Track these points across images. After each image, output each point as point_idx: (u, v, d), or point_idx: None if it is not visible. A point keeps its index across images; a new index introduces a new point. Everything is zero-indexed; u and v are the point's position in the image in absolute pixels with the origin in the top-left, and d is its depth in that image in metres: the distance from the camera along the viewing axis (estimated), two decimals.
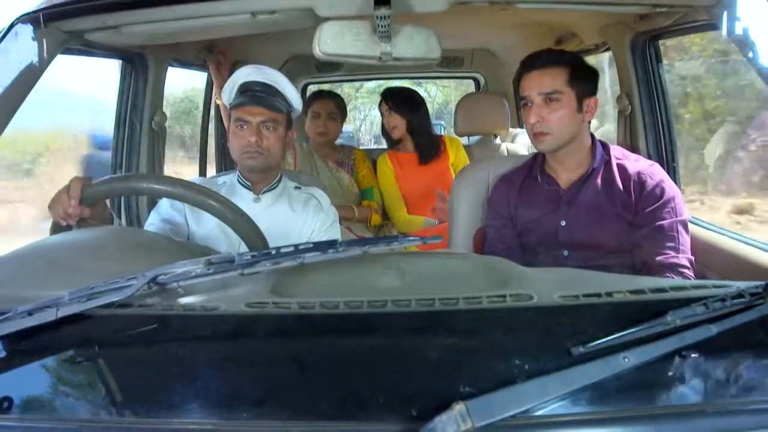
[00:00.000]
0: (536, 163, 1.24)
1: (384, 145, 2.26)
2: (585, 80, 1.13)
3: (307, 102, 2.06)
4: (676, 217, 1.07)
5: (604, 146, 1.18)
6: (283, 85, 1.22)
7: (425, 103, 2.07)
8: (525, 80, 1.15)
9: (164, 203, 1.22)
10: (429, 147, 2.01)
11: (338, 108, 2.04)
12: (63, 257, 0.75)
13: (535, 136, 1.14)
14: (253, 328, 0.58)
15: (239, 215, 0.91)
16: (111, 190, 0.96)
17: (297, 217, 1.22)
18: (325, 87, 2.88)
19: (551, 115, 1.11)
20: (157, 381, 0.53)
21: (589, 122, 1.18)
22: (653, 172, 1.12)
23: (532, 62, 1.14)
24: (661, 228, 1.06)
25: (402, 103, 1.98)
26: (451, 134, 2.36)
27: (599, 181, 1.14)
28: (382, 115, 2.03)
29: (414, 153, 2.02)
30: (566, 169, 1.18)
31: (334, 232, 1.26)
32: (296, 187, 1.29)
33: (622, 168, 1.13)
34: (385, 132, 2.06)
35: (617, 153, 1.17)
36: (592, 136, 1.19)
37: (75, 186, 0.90)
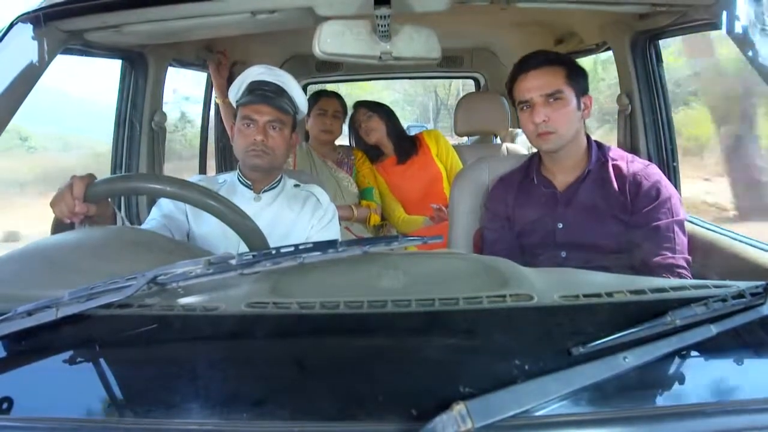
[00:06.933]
0: (532, 165, 1.24)
1: None
2: (580, 78, 1.13)
3: (310, 101, 2.07)
4: (673, 217, 1.07)
5: (600, 147, 1.18)
6: (292, 88, 1.23)
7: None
8: (523, 82, 1.13)
9: (165, 199, 1.22)
10: (407, 146, 2.06)
11: (342, 107, 2.06)
12: (63, 257, 0.75)
13: (539, 136, 1.13)
14: (253, 328, 0.58)
15: (240, 216, 0.91)
16: (114, 189, 0.96)
17: (296, 215, 1.23)
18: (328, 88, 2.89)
19: (555, 114, 1.10)
20: (157, 381, 0.53)
21: (584, 122, 1.18)
22: (649, 173, 1.11)
23: (528, 63, 1.13)
24: (658, 228, 1.06)
25: (378, 108, 2.04)
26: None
27: (595, 182, 1.14)
28: (357, 124, 2.06)
29: (394, 155, 2.05)
30: (563, 171, 1.18)
31: (334, 229, 1.26)
32: (295, 185, 1.29)
33: (617, 169, 1.13)
34: (361, 142, 2.08)
35: (613, 154, 1.17)
36: (588, 137, 1.19)
37: (78, 184, 0.90)
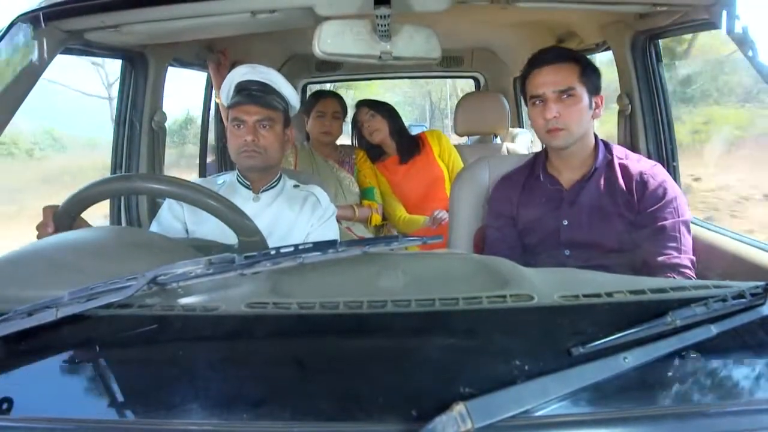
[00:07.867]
0: (538, 162, 1.23)
1: None
2: (593, 77, 1.13)
3: (309, 102, 2.06)
4: (678, 217, 1.07)
5: (607, 146, 1.18)
6: (279, 83, 1.22)
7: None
8: (536, 77, 1.12)
9: (164, 212, 1.23)
10: (409, 145, 2.05)
11: (341, 107, 2.05)
12: (63, 257, 0.75)
13: (549, 132, 1.12)
14: (253, 328, 0.58)
15: (238, 213, 0.91)
16: (75, 205, 0.92)
17: (296, 215, 1.22)
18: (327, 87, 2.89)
19: (567, 111, 1.10)
20: (157, 381, 0.53)
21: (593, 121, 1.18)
22: (656, 172, 1.11)
23: (543, 58, 1.13)
24: (663, 228, 1.06)
25: (380, 107, 2.03)
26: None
27: (601, 181, 1.14)
28: (359, 124, 2.05)
29: (396, 155, 2.04)
30: (569, 169, 1.18)
31: (332, 228, 1.26)
32: (295, 186, 1.29)
33: (624, 168, 1.13)
34: (364, 141, 2.07)
35: (619, 153, 1.17)
36: (596, 135, 1.18)
37: (46, 215, 0.91)
